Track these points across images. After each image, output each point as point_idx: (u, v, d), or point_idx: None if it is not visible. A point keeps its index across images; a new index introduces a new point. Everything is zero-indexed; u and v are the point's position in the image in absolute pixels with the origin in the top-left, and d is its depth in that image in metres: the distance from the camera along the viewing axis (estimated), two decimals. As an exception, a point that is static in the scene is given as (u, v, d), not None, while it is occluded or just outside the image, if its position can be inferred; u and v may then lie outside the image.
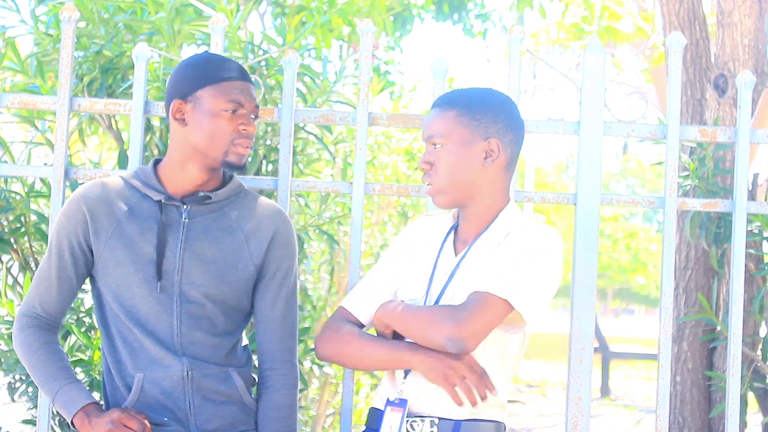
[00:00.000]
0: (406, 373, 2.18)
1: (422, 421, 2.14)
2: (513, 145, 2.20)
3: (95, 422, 2.14)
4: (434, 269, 2.23)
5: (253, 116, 2.29)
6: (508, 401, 2.26)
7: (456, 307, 2.08)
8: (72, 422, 2.18)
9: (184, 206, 2.27)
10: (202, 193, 2.27)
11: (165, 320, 2.22)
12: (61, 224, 2.28)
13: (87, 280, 2.33)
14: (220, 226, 2.28)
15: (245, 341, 2.38)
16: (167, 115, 2.29)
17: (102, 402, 2.31)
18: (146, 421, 2.14)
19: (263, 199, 2.37)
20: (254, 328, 2.37)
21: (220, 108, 2.23)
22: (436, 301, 2.19)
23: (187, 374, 2.22)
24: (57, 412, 2.79)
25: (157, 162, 2.33)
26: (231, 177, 2.35)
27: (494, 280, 2.08)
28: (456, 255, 2.22)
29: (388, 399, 2.19)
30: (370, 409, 2.29)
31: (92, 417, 2.15)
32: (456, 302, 2.16)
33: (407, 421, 2.14)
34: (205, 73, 2.24)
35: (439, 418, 2.13)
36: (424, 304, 2.21)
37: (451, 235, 2.26)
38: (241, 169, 2.27)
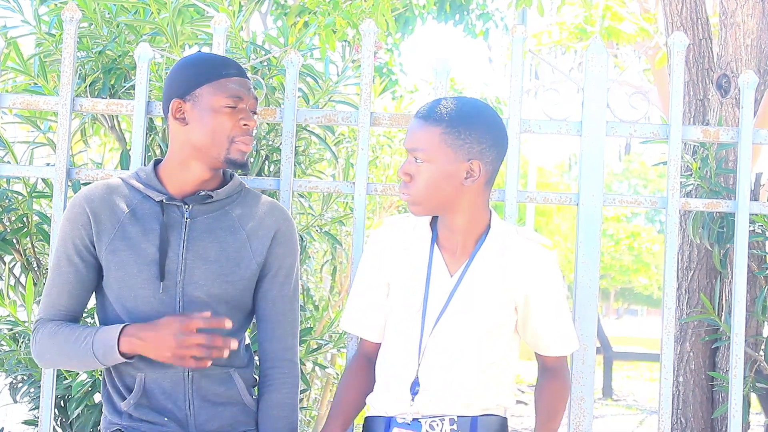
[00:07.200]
0: (413, 393, 2.18)
1: (441, 420, 2.17)
2: (494, 163, 2.19)
3: (151, 336, 2.10)
4: (427, 288, 2.21)
5: (252, 111, 2.30)
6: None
7: (560, 385, 2.31)
8: (120, 352, 2.12)
9: (186, 206, 2.27)
10: (203, 193, 2.27)
11: (167, 321, 2.22)
12: (66, 229, 2.26)
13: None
14: (222, 225, 2.28)
15: (247, 341, 2.38)
16: (166, 115, 2.29)
17: (102, 407, 2.30)
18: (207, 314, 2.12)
19: (264, 197, 2.37)
20: (255, 327, 2.36)
21: (221, 104, 2.23)
22: (435, 323, 2.19)
23: (188, 375, 2.22)
24: (58, 412, 2.80)
25: (157, 162, 2.33)
26: (231, 176, 2.35)
27: (545, 338, 2.27)
28: (451, 275, 2.21)
29: (394, 420, 2.20)
30: (366, 418, 2.30)
31: (141, 333, 2.11)
32: (456, 324, 2.18)
33: (427, 422, 2.16)
34: (204, 71, 2.25)
35: (458, 416, 2.17)
36: (422, 325, 2.20)
37: (436, 248, 2.23)
38: (244, 167, 2.27)
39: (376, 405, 2.26)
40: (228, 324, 2.09)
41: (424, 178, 2.15)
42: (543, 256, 2.22)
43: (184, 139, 2.26)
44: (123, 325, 2.15)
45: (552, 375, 2.32)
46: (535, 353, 2.32)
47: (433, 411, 2.17)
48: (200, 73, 2.25)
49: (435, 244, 2.23)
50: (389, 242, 2.29)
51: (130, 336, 2.12)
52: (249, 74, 2.42)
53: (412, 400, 2.18)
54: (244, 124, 2.25)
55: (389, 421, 2.21)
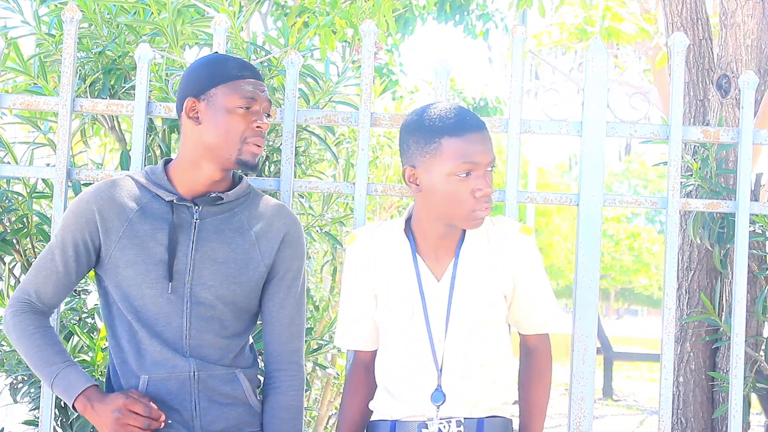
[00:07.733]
0: (437, 401, 2.18)
1: (448, 423, 2.17)
2: None
3: (99, 408, 2.13)
4: (422, 295, 2.21)
5: (265, 114, 2.30)
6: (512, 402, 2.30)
7: (544, 366, 2.31)
8: (73, 406, 2.17)
9: (196, 207, 2.27)
10: (213, 194, 2.27)
11: (174, 321, 2.22)
12: (69, 220, 2.27)
13: (94, 280, 2.33)
14: (230, 227, 2.28)
15: (250, 341, 2.38)
16: (179, 114, 2.29)
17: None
18: (151, 403, 2.15)
19: (271, 199, 2.37)
20: (260, 328, 2.36)
21: (235, 105, 2.24)
22: (445, 331, 2.19)
23: (194, 375, 2.22)
24: (58, 413, 2.80)
25: (167, 162, 2.33)
26: (241, 178, 2.35)
27: (532, 317, 2.28)
28: (438, 280, 2.21)
29: (399, 423, 2.20)
30: (369, 422, 2.30)
31: (94, 402, 2.14)
32: (464, 327, 2.19)
33: (434, 424, 2.17)
34: (220, 71, 2.25)
35: (465, 418, 2.17)
36: (429, 334, 2.20)
37: (417, 255, 2.23)
38: (255, 169, 2.27)
39: (380, 409, 2.26)
40: (162, 420, 2.16)
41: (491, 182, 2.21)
42: (524, 241, 2.25)
43: (196, 139, 2.26)
44: (90, 384, 2.17)
45: (536, 356, 2.30)
46: (520, 335, 2.33)
47: (440, 413, 2.17)
48: (216, 73, 2.25)
49: (415, 250, 2.24)
50: (368, 253, 2.29)
51: (87, 399, 2.15)
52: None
53: (438, 408, 2.18)
54: (257, 126, 2.26)
55: (394, 425, 2.21)
